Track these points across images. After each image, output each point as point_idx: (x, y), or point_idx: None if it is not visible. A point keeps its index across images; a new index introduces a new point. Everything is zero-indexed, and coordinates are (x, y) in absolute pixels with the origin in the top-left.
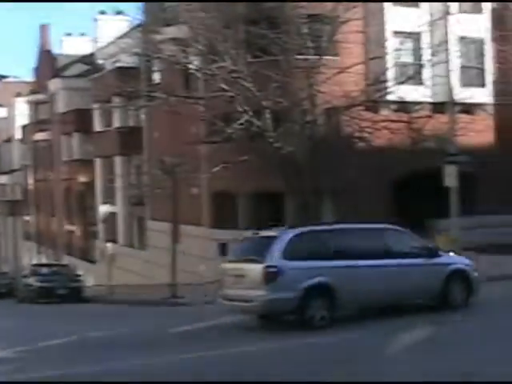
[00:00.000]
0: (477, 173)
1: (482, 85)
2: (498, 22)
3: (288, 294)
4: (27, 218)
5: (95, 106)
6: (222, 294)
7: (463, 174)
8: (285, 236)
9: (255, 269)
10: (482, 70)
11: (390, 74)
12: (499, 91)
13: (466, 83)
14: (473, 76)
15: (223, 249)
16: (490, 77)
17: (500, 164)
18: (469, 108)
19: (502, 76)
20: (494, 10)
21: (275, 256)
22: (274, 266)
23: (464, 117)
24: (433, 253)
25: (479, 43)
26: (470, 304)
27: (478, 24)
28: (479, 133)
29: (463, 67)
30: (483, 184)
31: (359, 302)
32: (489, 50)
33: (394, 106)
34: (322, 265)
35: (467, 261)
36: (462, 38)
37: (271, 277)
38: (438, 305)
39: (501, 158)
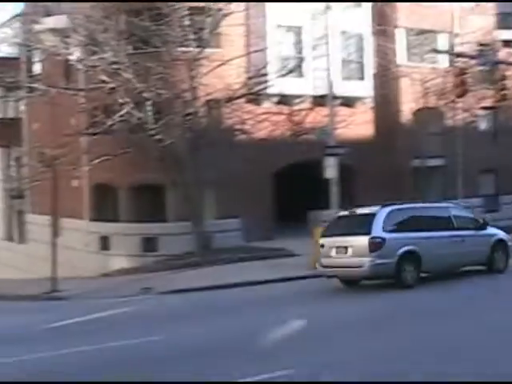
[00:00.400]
0: (356, 165)
1: (362, 78)
2: (378, 16)
3: (388, 260)
4: None
5: None
6: (321, 263)
7: (343, 166)
8: (382, 212)
9: (361, 240)
10: (361, 64)
11: (272, 66)
12: (378, 85)
13: (347, 77)
14: (353, 70)
15: (104, 242)
16: (369, 71)
17: (378, 156)
18: (349, 101)
19: (381, 70)
20: (374, 5)
21: (377, 229)
22: (379, 237)
23: (344, 110)
24: (482, 225)
25: (359, 37)
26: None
27: (359, 18)
28: (359, 125)
29: (344, 61)
30: (362, 176)
31: (434, 265)
32: (368, 45)
33: (275, 99)
34: (409, 236)
35: (503, 232)
36: (343, 32)
37: (377, 246)
38: (486, 269)
39: (379, 151)
